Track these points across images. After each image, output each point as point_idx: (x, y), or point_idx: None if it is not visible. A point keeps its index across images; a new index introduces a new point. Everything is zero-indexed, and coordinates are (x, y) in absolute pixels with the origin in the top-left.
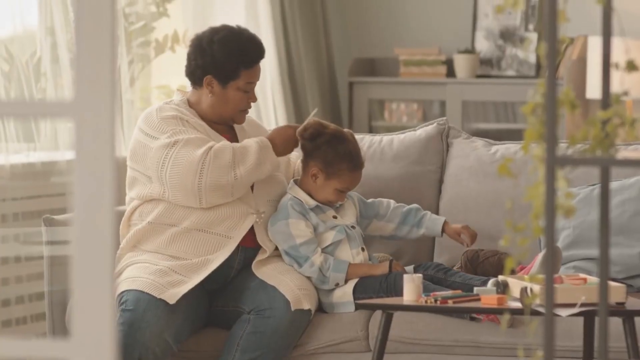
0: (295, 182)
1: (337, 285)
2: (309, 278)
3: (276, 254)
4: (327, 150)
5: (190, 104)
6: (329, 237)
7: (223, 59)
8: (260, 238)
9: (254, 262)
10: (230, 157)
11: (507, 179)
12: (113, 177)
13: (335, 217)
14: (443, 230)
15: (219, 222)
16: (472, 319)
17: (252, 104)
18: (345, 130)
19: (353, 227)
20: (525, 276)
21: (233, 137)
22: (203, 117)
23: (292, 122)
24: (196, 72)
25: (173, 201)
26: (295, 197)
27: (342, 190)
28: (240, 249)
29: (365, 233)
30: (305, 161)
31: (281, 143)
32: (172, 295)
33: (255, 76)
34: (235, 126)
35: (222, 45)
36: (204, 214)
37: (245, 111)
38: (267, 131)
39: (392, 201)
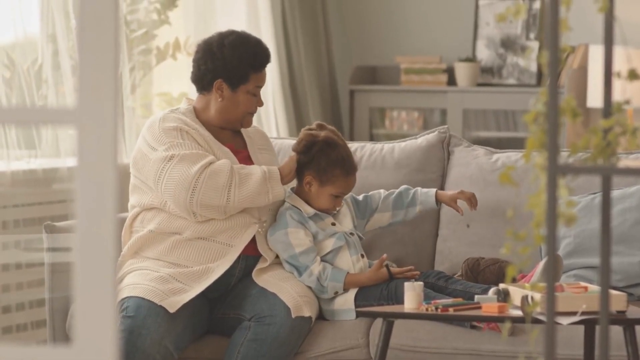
0: (293, 190)
1: (336, 293)
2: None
3: (277, 261)
4: (320, 157)
5: (197, 112)
6: (329, 245)
7: (235, 62)
8: (261, 247)
9: (254, 270)
10: (226, 180)
11: (509, 188)
12: (115, 184)
13: (333, 224)
14: (438, 201)
15: (220, 232)
16: (473, 327)
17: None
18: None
19: (352, 234)
20: (526, 284)
21: (239, 144)
22: (208, 125)
23: (293, 129)
24: (206, 76)
25: (173, 212)
26: (293, 205)
27: (337, 195)
28: (242, 257)
29: (365, 230)
30: (299, 171)
31: (288, 172)
32: (173, 303)
33: (263, 80)
34: (244, 133)
35: (233, 48)
36: (205, 224)
37: (252, 114)
38: (270, 143)
39: (382, 191)
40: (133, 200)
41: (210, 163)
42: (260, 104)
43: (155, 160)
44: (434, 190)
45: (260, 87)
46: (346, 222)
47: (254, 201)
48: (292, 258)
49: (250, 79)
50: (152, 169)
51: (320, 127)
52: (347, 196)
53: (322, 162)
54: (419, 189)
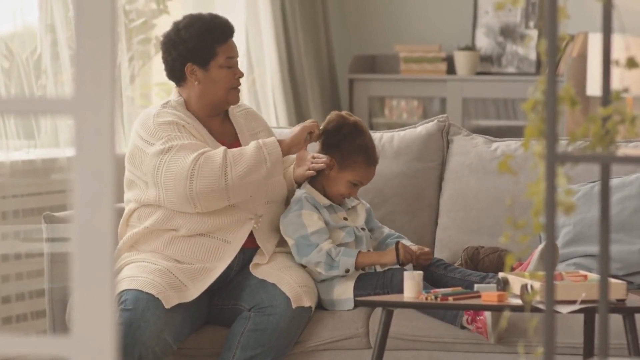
0: (309, 182)
1: (347, 271)
2: (313, 270)
3: (275, 250)
4: (345, 141)
5: (187, 104)
6: (338, 238)
7: (195, 40)
8: (261, 241)
9: (251, 264)
10: (221, 162)
11: (508, 176)
12: (113, 174)
13: (345, 219)
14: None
15: (217, 229)
16: (463, 327)
17: (241, 82)
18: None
19: (363, 229)
20: (526, 273)
21: (231, 137)
22: (200, 117)
23: (292, 119)
24: (175, 66)
25: (170, 207)
26: (308, 193)
27: (355, 183)
28: (239, 250)
29: None
30: (321, 152)
31: (291, 139)
32: (170, 299)
33: (233, 50)
34: (233, 121)
35: (189, 29)
36: (201, 222)
37: (237, 89)
38: (264, 121)
39: (391, 230)
40: (130, 195)
41: (205, 152)
42: (239, 75)
43: (153, 154)
44: (396, 241)
45: (233, 58)
46: (360, 218)
47: (253, 174)
48: (302, 238)
49: (218, 52)
50: (151, 163)
51: (348, 115)
52: (368, 206)
53: (345, 147)
54: (401, 240)
